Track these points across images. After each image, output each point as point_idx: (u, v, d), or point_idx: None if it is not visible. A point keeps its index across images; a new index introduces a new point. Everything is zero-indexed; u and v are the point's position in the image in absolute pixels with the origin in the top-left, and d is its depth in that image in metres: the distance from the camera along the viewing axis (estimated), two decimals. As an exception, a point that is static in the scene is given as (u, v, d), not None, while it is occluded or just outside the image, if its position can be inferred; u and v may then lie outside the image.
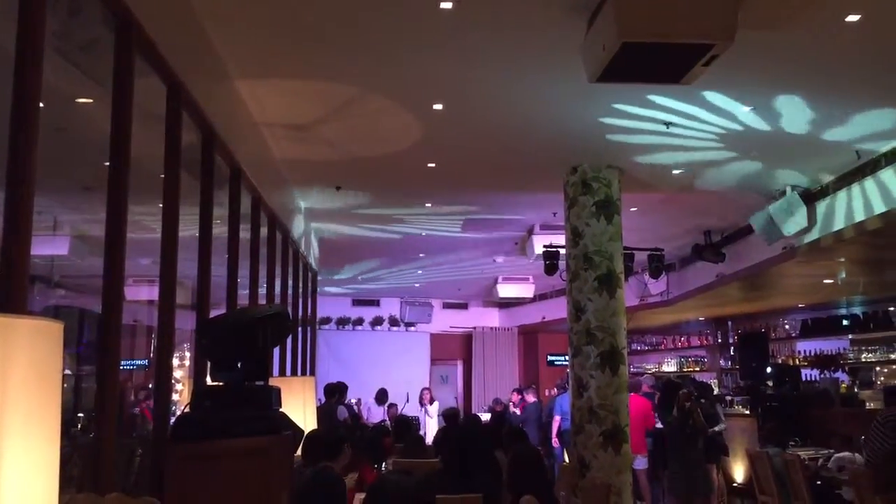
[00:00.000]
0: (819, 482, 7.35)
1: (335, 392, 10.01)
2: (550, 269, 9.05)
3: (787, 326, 14.06)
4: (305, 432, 4.51)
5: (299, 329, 9.15)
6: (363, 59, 4.87)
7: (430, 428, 13.07)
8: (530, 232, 9.83)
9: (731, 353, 15.08)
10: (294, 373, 8.31)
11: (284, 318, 3.92)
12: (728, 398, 11.77)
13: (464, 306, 17.35)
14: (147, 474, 3.90)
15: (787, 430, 8.52)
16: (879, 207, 6.56)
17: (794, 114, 5.76)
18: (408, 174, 7.52)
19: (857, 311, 12.65)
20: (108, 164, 3.19)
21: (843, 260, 8.60)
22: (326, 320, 15.78)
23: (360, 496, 5.00)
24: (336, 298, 15.93)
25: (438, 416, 13.02)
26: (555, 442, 10.57)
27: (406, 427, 8.74)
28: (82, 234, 6.56)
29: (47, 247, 6.25)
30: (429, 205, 8.71)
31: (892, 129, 6.09)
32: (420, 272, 13.48)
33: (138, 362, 9.42)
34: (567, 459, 8.45)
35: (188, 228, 4.27)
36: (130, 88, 3.25)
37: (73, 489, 3.38)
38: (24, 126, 2.37)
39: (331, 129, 6.20)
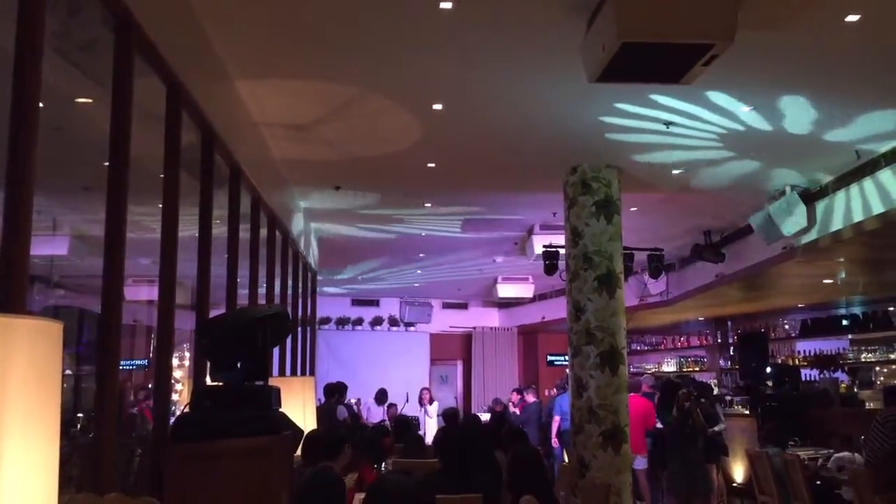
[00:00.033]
0: (819, 482, 7.35)
1: (335, 392, 10.01)
2: (550, 269, 9.05)
3: (786, 326, 14.07)
4: (305, 432, 4.51)
5: (299, 329, 9.15)
6: (363, 59, 4.87)
7: (430, 428, 13.07)
8: (530, 232, 9.83)
9: (731, 353, 15.09)
10: (294, 373, 8.31)
11: (284, 318, 3.91)
12: (728, 398, 11.78)
13: (463, 306, 17.35)
14: (146, 474, 3.90)
15: (787, 430, 8.52)
16: (878, 208, 6.56)
17: (794, 114, 5.76)
18: (408, 174, 7.52)
19: (857, 311, 12.66)
20: (107, 164, 3.19)
21: (842, 260, 8.61)
22: (326, 320, 15.78)
23: (359, 496, 5.00)
24: (335, 298, 15.93)
25: (438, 416, 13.02)
26: (554, 442, 10.57)
27: (406, 427, 8.74)
28: (82, 234, 6.55)
29: (47, 247, 6.25)
30: (428, 205, 8.71)
31: (894, 131, 6.09)
32: (420, 272, 13.48)
33: (138, 362, 9.42)
34: (567, 459, 8.45)
35: (188, 228, 4.27)
36: (130, 88, 3.25)
37: (73, 489, 3.38)
38: (23, 126, 2.37)
39: (330, 129, 6.20)
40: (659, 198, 8.26)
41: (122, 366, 4.89)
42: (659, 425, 8.89)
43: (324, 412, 8.40)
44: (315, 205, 8.68)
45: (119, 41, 3.24)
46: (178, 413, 3.98)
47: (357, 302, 16.57)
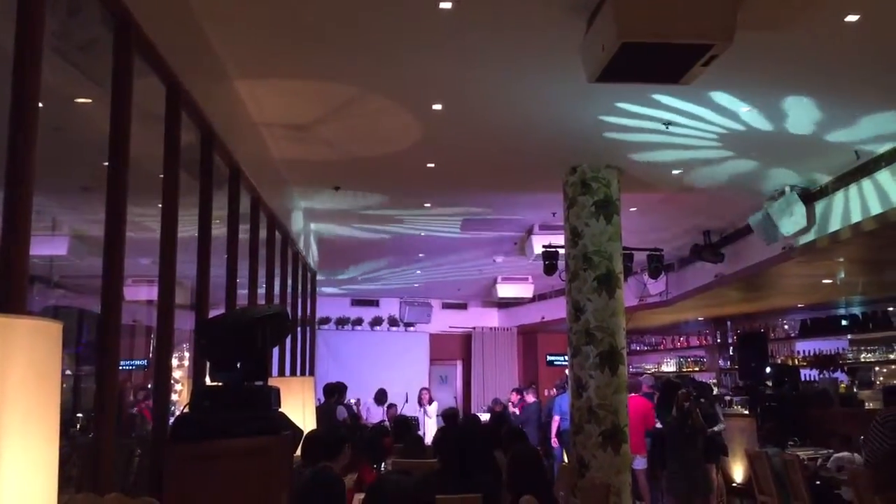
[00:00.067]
0: (818, 482, 7.35)
1: (334, 392, 10.01)
2: (550, 269, 9.05)
3: (786, 326, 14.08)
4: (305, 432, 4.51)
5: (298, 329, 9.15)
6: (363, 59, 4.87)
7: (429, 428, 13.07)
8: (529, 232, 9.83)
9: (731, 354, 15.09)
10: (293, 373, 8.31)
11: (283, 319, 3.91)
12: (727, 398, 11.78)
13: (463, 306, 17.35)
14: (146, 474, 3.90)
15: (787, 430, 8.52)
16: (875, 209, 6.56)
17: (795, 114, 5.76)
18: (407, 174, 7.52)
19: (856, 311, 12.67)
20: (107, 164, 3.19)
21: (841, 260, 8.61)
22: (325, 320, 15.78)
23: (359, 496, 5.00)
24: (335, 298, 15.93)
25: (437, 416, 13.02)
26: (554, 442, 10.57)
27: (406, 427, 8.73)
28: (81, 234, 6.55)
29: (46, 247, 6.24)
30: (428, 205, 8.71)
31: (894, 132, 6.09)
32: (419, 272, 13.48)
33: (137, 362, 9.40)
34: (566, 459, 8.45)
35: (187, 229, 4.27)
36: (129, 88, 3.25)
37: (72, 489, 3.38)
38: (23, 126, 2.37)
39: (330, 130, 6.20)
40: (658, 198, 8.26)
41: (122, 366, 4.89)
42: (658, 425, 8.90)
43: (323, 412, 8.40)
44: (315, 205, 8.68)
45: (118, 41, 3.24)
46: (177, 413, 3.98)
47: (357, 302, 16.57)
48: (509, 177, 7.61)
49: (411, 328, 16.42)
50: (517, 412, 12.31)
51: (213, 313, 4.48)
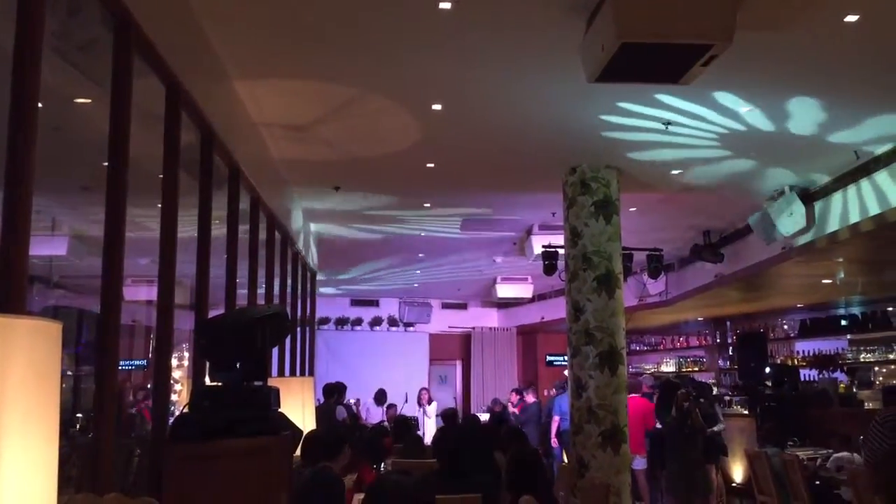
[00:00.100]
0: (818, 482, 7.35)
1: (334, 392, 10.01)
2: (549, 269, 9.06)
3: (785, 326, 14.09)
4: (304, 432, 4.51)
5: (298, 329, 9.14)
6: (363, 59, 4.87)
7: (429, 428, 13.06)
8: (529, 232, 9.83)
9: (730, 354, 15.11)
10: (293, 373, 8.31)
11: (283, 319, 3.91)
12: (727, 398, 11.78)
13: (463, 306, 17.35)
14: (145, 474, 3.90)
15: (786, 430, 8.52)
16: (874, 209, 6.56)
17: (795, 114, 5.76)
18: (407, 174, 7.52)
19: (856, 311, 12.67)
20: (106, 164, 3.19)
21: (840, 260, 8.61)
22: (325, 320, 15.77)
23: (359, 497, 5.00)
24: (335, 298, 15.93)
25: (437, 416, 13.02)
26: (554, 442, 10.58)
27: (405, 427, 8.73)
28: (81, 234, 6.55)
29: (46, 247, 6.24)
30: (428, 205, 8.71)
31: (894, 133, 6.10)
32: (419, 272, 13.48)
33: (137, 362, 9.40)
34: (566, 459, 8.45)
35: (187, 229, 4.27)
36: (129, 88, 3.25)
37: (72, 489, 3.38)
38: (22, 126, 2.37)
39: (330, 130, 6.20)
40: (658, 198, 8.26)
41: (121, 366, 4.89)
42: (658, 425, 8.90)
43: (323, 412, 8.40)
44: (314, 205, 8.68)
45: (118, 41, 3.24)
46: (177, 413, 3.98)
47: (356, 302, 16.57)
48: (509, 177, 7.61)
49: (411, 328, 16.42)
50: (517, 412, 12.30)
51: (212, 313, 4.48)
